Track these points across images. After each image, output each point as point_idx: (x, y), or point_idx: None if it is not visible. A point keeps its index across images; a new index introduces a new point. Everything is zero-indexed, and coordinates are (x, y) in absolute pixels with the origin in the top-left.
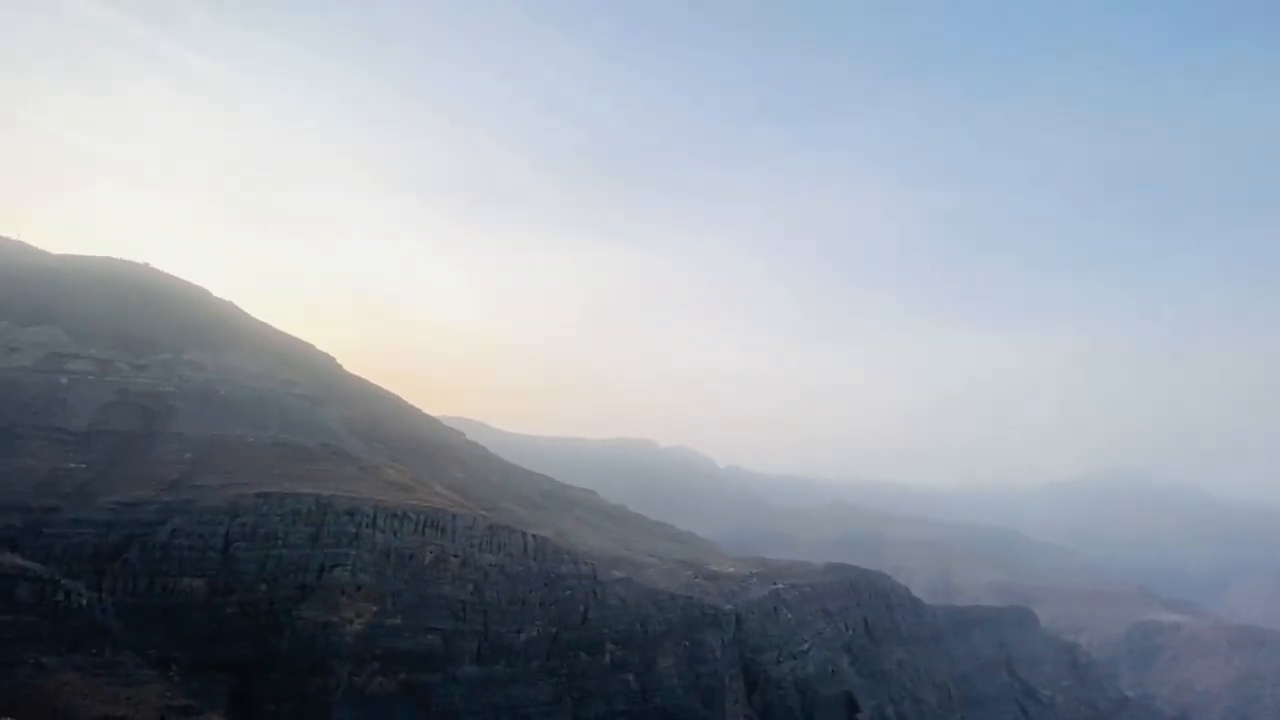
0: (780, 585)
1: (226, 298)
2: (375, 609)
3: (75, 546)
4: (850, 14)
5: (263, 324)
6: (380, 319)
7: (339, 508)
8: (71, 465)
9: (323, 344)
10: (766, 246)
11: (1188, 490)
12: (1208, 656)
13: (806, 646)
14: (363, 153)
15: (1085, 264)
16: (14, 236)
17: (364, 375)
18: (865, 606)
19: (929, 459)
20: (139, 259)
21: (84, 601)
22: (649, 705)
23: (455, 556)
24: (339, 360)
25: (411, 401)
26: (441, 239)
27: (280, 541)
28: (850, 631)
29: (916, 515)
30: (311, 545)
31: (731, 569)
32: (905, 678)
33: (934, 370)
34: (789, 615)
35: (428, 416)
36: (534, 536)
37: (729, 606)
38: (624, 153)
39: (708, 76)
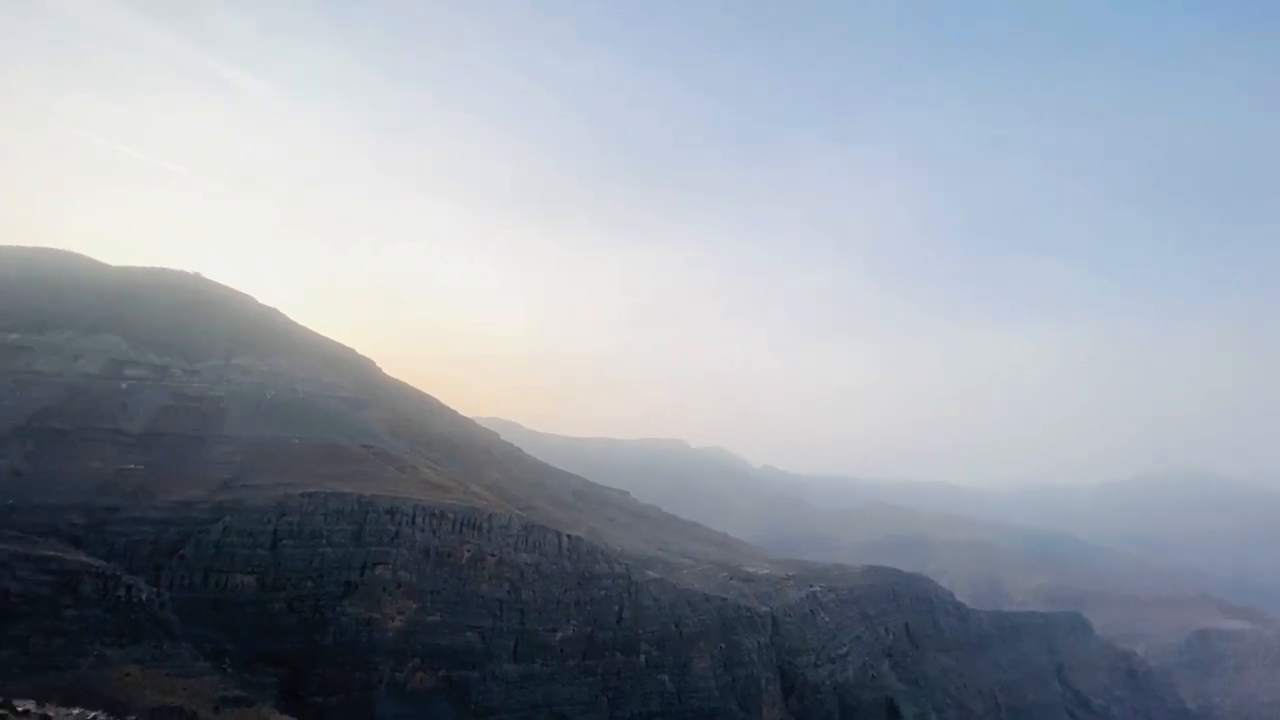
0: (817, 588)
1: (271, 304)
2: (416, 606)
3: (135, 544)
4: (875, 9)
5: (306, 329)
6: (417, 322)
7: (380, 507)
8: (132, 466)
9: (363, 348)
10: (796, 244)
11: (1251, 489)
12: (1273, 665)
13: (845, 650)
14: (400, 161)
15: (1139, 256)
16: (75, 249)
17: (402, 378)
18: (906, 611)
19: (972, 458)
20: (189, 268)
21: (143, 596)
22: (685, 706)
23: (492, 555)
24: (378, 364)
25: (447, 403)
26: (475, 244)
27: (325, 540)
28: (891, 636)
29: (961, 517)
30: (354, 544)
31: (767, 571)
32: (950, 684)
33: (975, 367)
34: (826, 618)
35: (463, 418)
36: (568, 536)
37: (765, 609)
38: (654, 155)
39: (735, 77)
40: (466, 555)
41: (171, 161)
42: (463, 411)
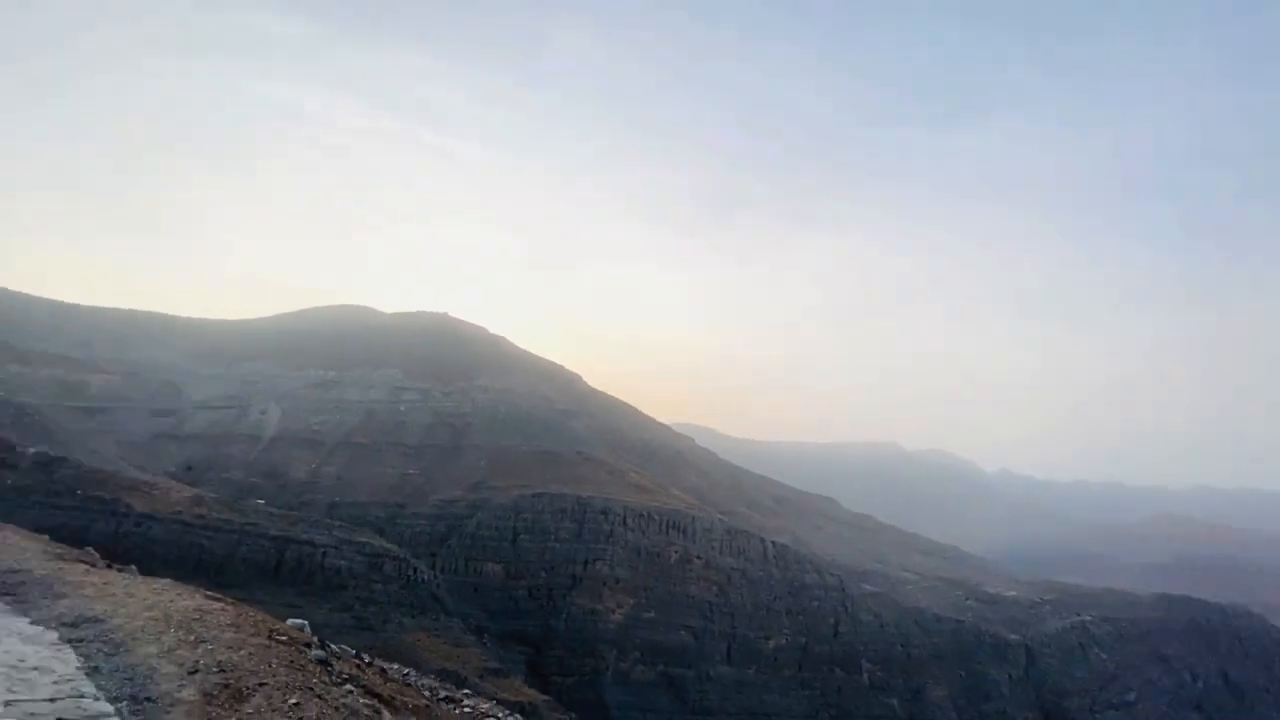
0: (1087, 617)
1: (498, 333)
2: (632, 602)
3: (417, 534)
4: None
5: (525, 351)
6: (616, 336)
7: (595, 507)
8: (411, 471)
9: (571, 364)
10: (1009, 218)
11: None
12: None
13: (1133, 697)
14: (595, 190)
15: None
16: (360, 301)
17: (605, 389)
18: (1223, 655)
19: None
20: (437, 309)
21: (425, 577)
22: None
23: (698, 558)
24: (584, 377)
25: (645, 411)
26: (664, 255)
27: (553, 536)
28: (1199, 685)
29: None
30: (576, 540)
31: (1014, 593)
32: None
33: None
34: (1102, 655)
35: (659, 424)
36: (773, 543)
37: (1015, 637)
38: (837, 140)
39: (921, 44)
40: (674, 556)
41: (409, 219)
42: (659, 418)
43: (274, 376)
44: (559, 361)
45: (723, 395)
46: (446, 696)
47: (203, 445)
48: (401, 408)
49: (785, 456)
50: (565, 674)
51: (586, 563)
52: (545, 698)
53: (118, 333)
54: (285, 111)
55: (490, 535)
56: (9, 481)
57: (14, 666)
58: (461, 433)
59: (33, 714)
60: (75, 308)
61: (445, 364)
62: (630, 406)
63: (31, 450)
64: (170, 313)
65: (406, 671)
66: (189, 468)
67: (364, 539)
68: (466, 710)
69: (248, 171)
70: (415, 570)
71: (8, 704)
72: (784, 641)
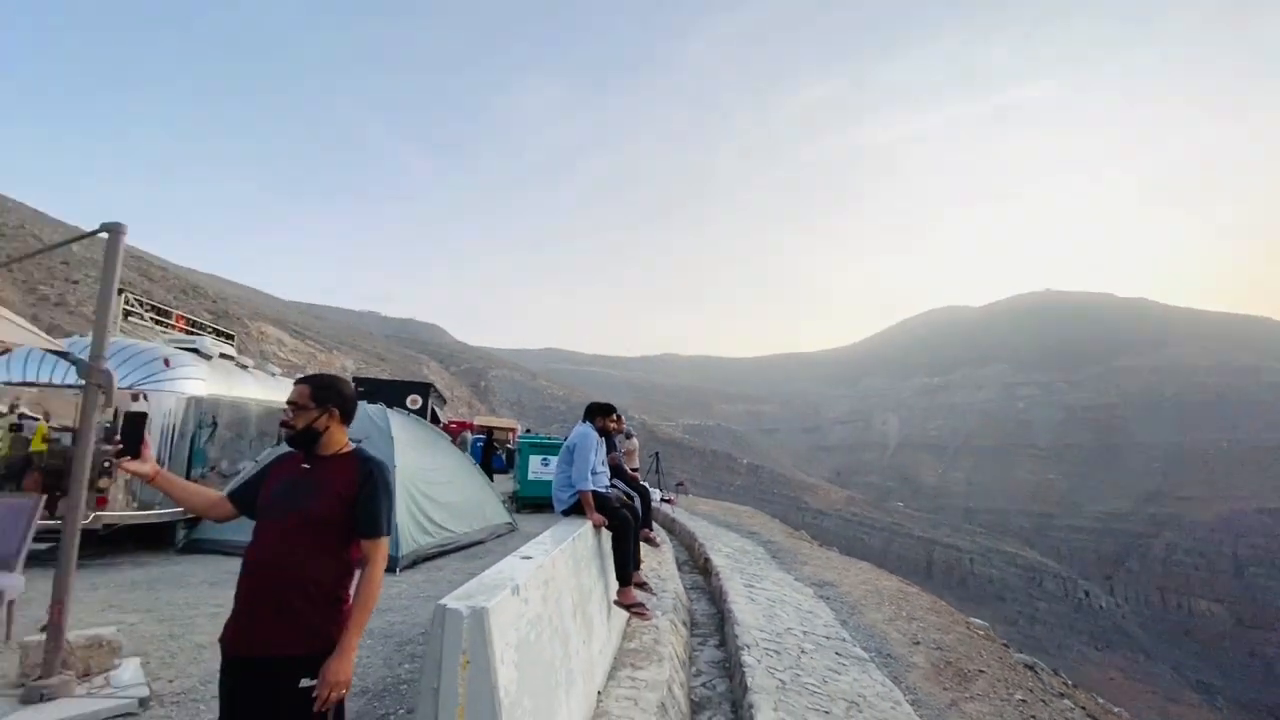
0: None
1: (1134, 294)
2: None
3: (1077, 549)
4: None
5: (1186, 309)
6: None
7: None
8: (1051, 477)
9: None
10: None
11: None
12: None
13: None
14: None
15: None
16: (945, 305)
17: None
18: None
19: None
20: (1036, 288)
21: (1101, 604)
22: None
23: None
24: None
25: None
26: None
27: None
28: None
29: None
30: None
31: None
32: None
33: None
34: None
35: None
36: None
37: None
38: None
39: None
40: None
41: (989, 200)
42: None
43: (887, 389)
44: (1252, 313)
45: None
46: None
47: (843, 454)
48: (1020, 405)
49: None
50: None
51: None
52: None
53: (771, 371)
54: (861, 153)
55: (1192, 563)
56: (737, 482)
57: (798, 606)
58: (1109, 428)
59: (818, 644)
60: (741, 360)
61: (1064, 347)
62: None
63: (745, 461)
64: (800, 350)
65: (1118, 709)
66: (837, 473)
67: (1010, 549)
68: None
69: (826, 216)
70: (1085, 593)
71: (805, 632)
72: None
